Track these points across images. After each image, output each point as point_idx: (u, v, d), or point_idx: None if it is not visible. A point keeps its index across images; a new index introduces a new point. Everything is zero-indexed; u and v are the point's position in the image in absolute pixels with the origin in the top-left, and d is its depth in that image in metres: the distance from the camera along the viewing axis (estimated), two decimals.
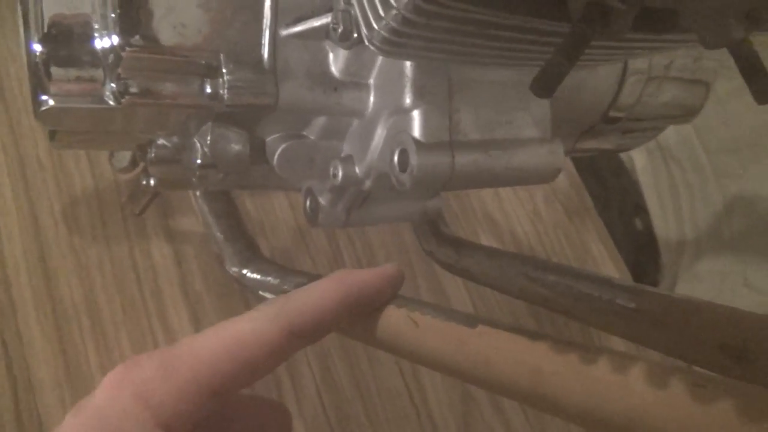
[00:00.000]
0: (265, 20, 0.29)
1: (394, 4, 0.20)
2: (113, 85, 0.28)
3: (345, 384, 0.56)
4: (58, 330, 0.51)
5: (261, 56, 0.30)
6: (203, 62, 0.29)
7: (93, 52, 0.27)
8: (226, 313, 0.55)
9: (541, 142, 0.31)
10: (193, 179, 0.37)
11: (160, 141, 0.33)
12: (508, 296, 0.39)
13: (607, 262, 0.74)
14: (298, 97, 0.31)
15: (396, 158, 0.29)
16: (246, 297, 0.54)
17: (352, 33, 0.28)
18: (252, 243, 0.44)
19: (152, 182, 0.39)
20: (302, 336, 0.25)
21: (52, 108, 0.27)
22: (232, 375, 0.23)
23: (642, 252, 0.81)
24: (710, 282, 0.75)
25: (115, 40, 0.27)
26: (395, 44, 0.22)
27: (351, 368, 0.56)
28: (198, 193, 0.45)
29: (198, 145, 0.31)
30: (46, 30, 0.27)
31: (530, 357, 0.21)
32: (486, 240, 0.68)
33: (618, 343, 0.60)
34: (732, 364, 0.22)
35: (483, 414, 0.58)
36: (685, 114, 0.39)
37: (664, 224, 0.80)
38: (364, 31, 0.23)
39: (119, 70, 0.27)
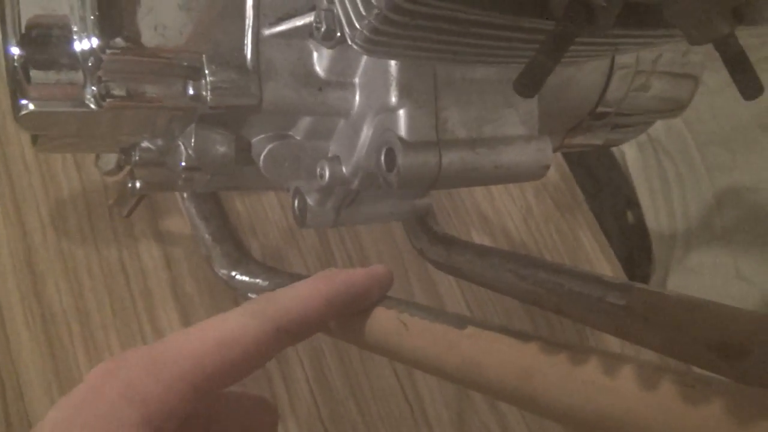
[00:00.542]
0: (247, 20, 0.29)
1: (375, 3, 0.19)
2: (94, 88, 0.27)
3: (338, 384, 0.56)
4: (46, 334, 0.51)
5: (244, 57, 0.29)
6: (185, 64, 0.28)
7: (72, 54, 0.27)
8: (216, 314, 0.55)
9: (529, 140, 0.31)
10: (179, 181, 0.37)
11: (145, 143, 0.33)
12: (500, 294, 0.39)
13: (598, 256, 0.74)
14: (282, 97, 0.30)
15: (383, 158, 0.29)
16: (237, 298, 0.53)
17: (335, 32, 0.28)
18: (240, 245, 0.43)
19: (138, 185, 0.38)
20: (289, 333, 0.24)
21: (32, 112, 0.27)
22: (219, 372, 0.22)
23: (634, 245, 0.81)
24: (702, 274, 0.75)
25: (95, 42, 0.26)
26: (378, 43, 0.22)
27: (344, 368, 0.56)
28: (185, 195, 0.44)
29: (182, 147, 0.31)
30: (23, 32, 0.26)
31: (519, 358, 0.21)
32: (478, 236, 0.68)
33: (612, 340, 0.60)
34: (723, 361, 0.22)
35: (478, 411, 0.58)
36: (674, 108, 0.39)
37: (655, 217, 0.80)
38: (346, 30, 0.23)
39: (100, 73, 0.27)
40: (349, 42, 0.24)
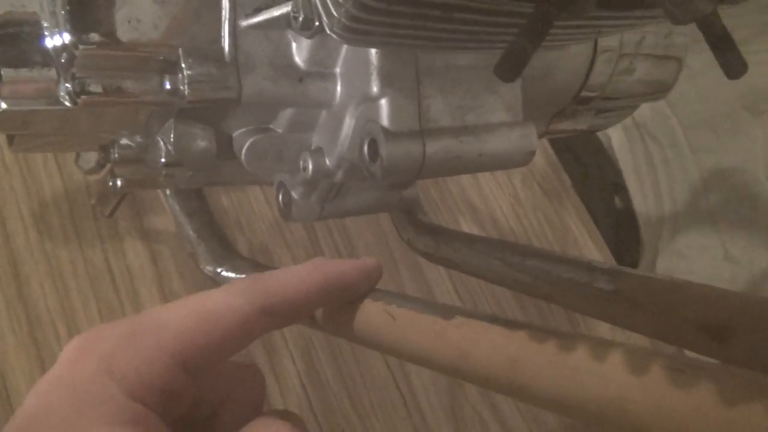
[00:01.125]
0: (223, 12, 0.28)
1: None
2: (68, 85, 0.26)
3: (330, 377, 0.55)
4: (33, 337, 0.50)
5: (221, 49, 0.29)
6: (161, 58, 0.28)
7: (44, 51, 0.26)
8: None
9: (513, 126, 0.31)
10: (161, 178, 0.36)
11: (123, 141, 0.32)
12: (490, 282, 0.39)
13: (587, 242, 0.74)
14: (262, 89, 0.30)
15: (365, 149, 0.28)
16: None
17: (313, 21, 0.27)
18: (226, 241, 0.43)
19: (119, 183, 0.38)
20: (273, 315, 0.24)
21: (4, 111, 0.26)
22: (202, 348, 0.22)
23: (622, 230, 0.81)
24: (690, 256, 0.76)
25: (67, 38, 0.25)
26: (357, 31, 0.22)
27: (335, 360, 0.56)
28: (168, 192, 0.44)
29: (162, 143, 0.31)
30: None
31: (507, 347, 0.21)
32: (466, 225, 0.67)
33: (603, 326, 0.60)
34: (711, 343, 0.22)
35: (470, 400, 0.58)
36: (658, 91, 0.39)
37: (643, 201, 0.80)
38: (324, 19, 0.22)
39: (73, 69, 0.26)
40: (328, 31, 0.23)
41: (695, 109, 0.77)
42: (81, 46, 0.26)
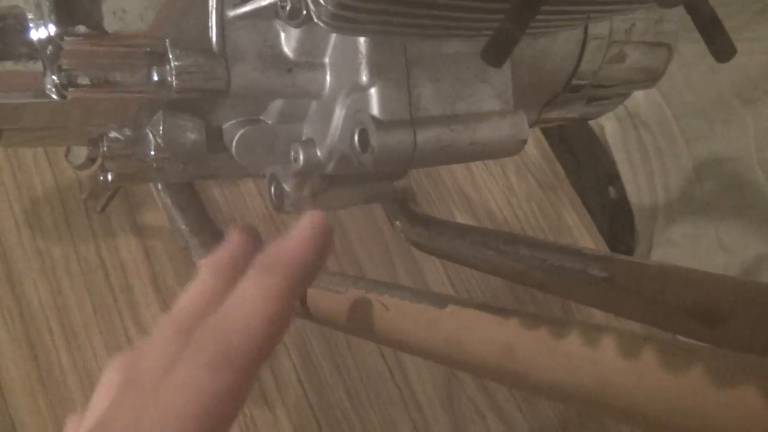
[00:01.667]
0: (211, 2, 0.28)
1: None
2: (54, 77, 0.26)
3: (326, 370, 0.55)
4: (26, 334, 0.50)
5: (209, 40, 0.29)
6: (148, 49, 0.27)
7: (29, 43, 0.26)
8: None
9: (504, 115, 0.30)
10: (151, 172, 0.36)
11: (112, 134, 0.32)
12: (483, 272, 0.39)
13: (582, 232, 0.74)
14: (250, 80, 0.30)
15: (356, 139, 0.28)
16: None
17: (300, 10, 0.27)
18: (218, 233, 0.43)
19: (110, 177, 0.37)
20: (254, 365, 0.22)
21: None
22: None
23: (617, 220, 0.81)
24: (684, 245, 0.76)
25: (52, 29, 0.25)
26: (344, 19, 0.22)
27: (331, 354, 0.56)
28: (160, 186, 0.43)
29: (151, 135, 0.30)
30: None
31: (500, 335, 0.21)
32: (461, 217, 0.67)
33: (597, 315, 0.60)
34: (704, 328, 0.22)
35: (466, 390, 0.58)
36: (649, 78, 0.39)
37: (636, 191, 0.81)
38: (311, 7, 0.22)
39: (60, 62, 0.26)
40: (315, 19, 0.23)
41: (688, 99, 0.77)
42: (67, 38, 0.26)
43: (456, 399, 0.58)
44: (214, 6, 0.28)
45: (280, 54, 0.30)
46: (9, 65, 0.26)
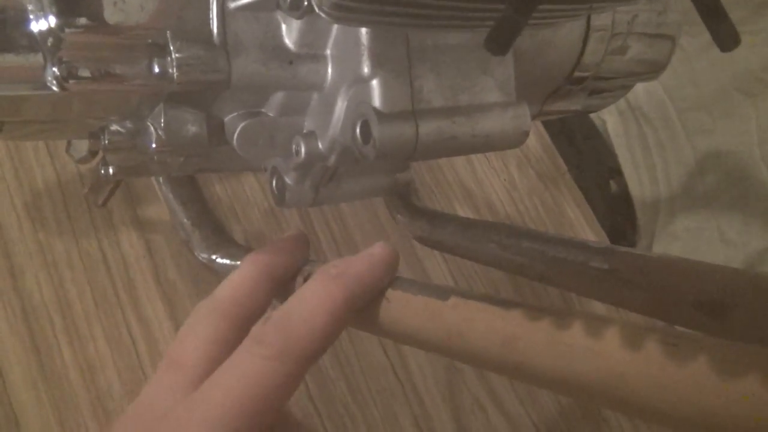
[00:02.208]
0: None
1: None
2: (55, 69, 0.26)
3: (327, 363, 0.55)
4: (28, 328, 0.50)
5: (210, 31, 0.28)
6: (149, 41, 0.27)
7: (30, 35, 0.26)
8: (202, 299, 0.54)
9: (506, 106, 0.30)
10: (153, 165, 0.36)
11: (113, 127, 0.32)
12: (485, 265, 0.39)
13: (583, 226, 0.74)
14: (252, 72, 0.29)
15: (358, 130, 0.28)
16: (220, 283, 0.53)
17: (302, 1, 0.27)
18: (220, 227, 0.43)
19: (111, 171, 0.37)
20: (310, 363, 0.24)
21: None
22: None
23: (618, 214, 0.81)
24: (686, 239, 0.76)
25: (53, 21, 0.25)
26: (346, 9, 0.21)
27: (332, 347, 0.55)
28: (161, 180, 0.43)
29: (152, 128, 0.30)
30: None
31: (503, 326, 0.21)
32: (462, 211, 0.67)
33: (599, 308, 0.60)
34: (708, 320, 0.22)
35: (467, 383, 0.58)
36: (651, 70, 0.39)
37: (638, 185, 0.80)
38: None
39: (60, 54, 0.26)
40: (317, 10, 0.23)
41: (690, 92, 0.77)
42: (67, 30, 0.26)
43: (457, 392, 0.58)
44: None
45: (282, 46, 0.30)
46: (9, 57, 0.26)
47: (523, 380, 0.21)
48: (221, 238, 0.42)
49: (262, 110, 0.33)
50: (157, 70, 0.27)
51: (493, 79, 0.31)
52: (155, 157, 0.31)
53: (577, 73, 0.35)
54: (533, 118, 0.40)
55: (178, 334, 0.26)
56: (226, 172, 0.58)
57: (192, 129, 0.30)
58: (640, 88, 0.73)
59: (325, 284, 0.25)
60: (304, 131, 0.33)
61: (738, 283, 0.21)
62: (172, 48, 0.27)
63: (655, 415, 0.16)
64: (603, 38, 0.34)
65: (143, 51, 0.27)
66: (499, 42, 0.16)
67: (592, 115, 0.83)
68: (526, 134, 0.31)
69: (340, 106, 0.30)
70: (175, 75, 0.27)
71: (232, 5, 0.29)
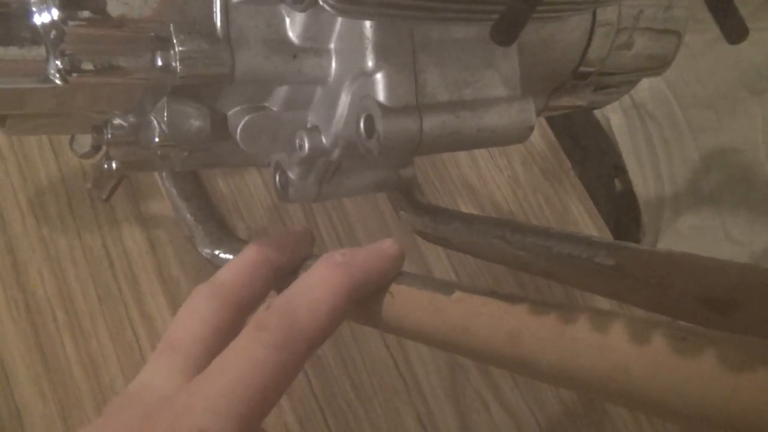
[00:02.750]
0: None
1: None
2: (58, 62, 0.26)
3: (330, 360, 0.55)
4: (32, 324, 0.50)
5: (213, 25, 0.28)
6: (152, 34, 0.27)
7: (33, 28, 0.26)
8: None
9: (511, 101, 0.30)
10: (156, 160, 0.36)
11: (116, 121, 0.32)
12: (488, 261, 0.38)
13: (587, 223, 0.73)
14: (255, 66, 0.29)
15: (362, 125, 0.28)
16: None
17: None
18: (223, 223, 0.42)
19: (114, 165, 0.37)
20: (312, 347, 0.24)
21: None
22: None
23: (623, 212, 0.81)
24: (691, 238, 0.75)
25: (55, 14, 0.25)
26: (350, 2, 0.21)
27: (335, 344, 0.56)
28: (164, 175, 0.43)
29: (155, 122, 0.30)
30: None
31: (508, 321, 0.21)
32: (465, 208, 0.67)
33: (602, 303, 0.60)
34: (716, 316, 0.22)
35: (471, 380, 0.58)
36: (658, 66, 0.38)
37: (643, 183, 0.80)
38: None
39: (63, 47, 0.26)
40: (321, 3, 0.23)
41: (695, 89, 0.77)
42: (70, 22, 0.25)
43: (460, 389, 0.58)
44: None
45: (285, 40, 0.30)
46: (12, 50, 0.26)
47: (528, 375, 0.21)
48: (224, 233, 0.42)
49: (266, 104, 0.32)
50: (160, 63, 0.27)
51: (498, 74, 0.30)
52: (158, 152, 0.31)
53: (582, 68, 0.35)
54: (538, 113, 0.39)
55: (176, 315, 0.25)
56: (229, 168, 0.58)
57: (195, 123, 0.30)
58: (644, 85, 0.73)
59: (329, 271, 0.25)
60: (308, 126, 0.33)
61: (748, 279, 0.21)
62: (175, 41, 0.27)
63: (664, 410, 0.16)
64: (609, 33, 0.34)
65: (146, 44, 0.27)
66: (505, 32, 0.16)
67: (596, 113, 0.82)
68: (531, 129, 0.31)
69: (344, 100, 0.30)
70: (178, 68, 0.27)
71: None
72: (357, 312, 0.27)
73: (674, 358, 0.16)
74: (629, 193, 0.81)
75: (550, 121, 0.78)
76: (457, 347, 0.23)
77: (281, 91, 0.32)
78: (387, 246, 0.27)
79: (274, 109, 0.32)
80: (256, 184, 0.61)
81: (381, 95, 0.28)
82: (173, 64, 0.27)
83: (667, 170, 0.79)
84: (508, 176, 0.72)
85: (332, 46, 0.31)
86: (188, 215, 0.42)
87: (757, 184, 0.73)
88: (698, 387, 0.15)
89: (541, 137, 0.76)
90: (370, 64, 0.28)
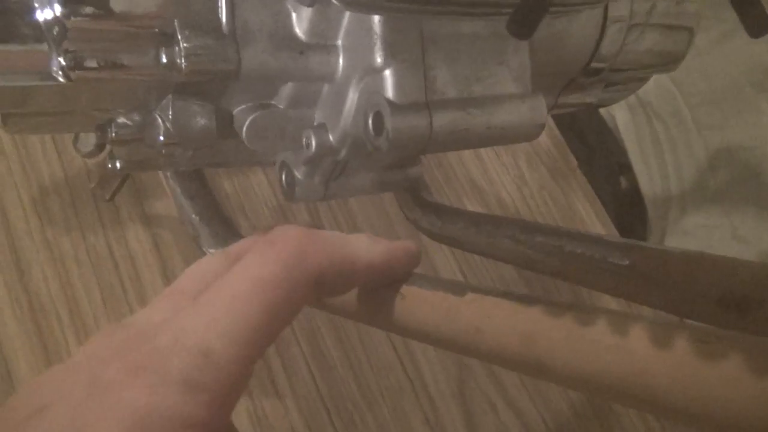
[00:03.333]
0: None
1: None
2: (60, 59, 0.26)
3: (336, 361, 0.55)
4: (36, 324, 0.50)
5: (219, 20, 0.28)
6: (156, 30, 0.27)
7: (35, 24, 0.25)
8: None
9: (522, 98, 0.30)
10: (161, 158, 0.35)
11: (120, 119, 0.31)
12: (496, 261, 0.38)
13: (594, 222, 0.73)
14: (261, 62, 0.29)
15: (370, 122, 0.28)
16: None
17: None
18: (228, 222, 0.42)
19: (119, 164, 0.37)
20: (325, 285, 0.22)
21: None
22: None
23: (628, 210, 0.81)
24: (698, 236, 0.75)
25: (58, 10, 0.24)
26: None
27: (341, 345, 0.56)
28: (169, 175, 0.43)
29: (160, 120, 0.30)
30: None
31: (522, 323, 0.20)
32: (472, 207, 0.67)
33: (609, 303, 0.60)
34: (733, 316, 0.21)
35: (477, 381, 0.58)
36: (669, 62, 0.38)
37: (649, 181, 0.80)
38: None
39: (66, 44, 0.25)
40: None
41: (701, 87, 0.77)
42: (73, 19, 0.25)
43: (467, 390, 0.57)
44: None
45: (292, 35, 0.29)
46: (14, 47, 0.25)
47: (543, 378, 0.20)
48: (230, 233, 0.41)
49: (272, 102, 0.32)
50: (164, 60, 0.27)
51: (508, 70, 0.30)
52: (163, 150, 0.31)
53: (593, 65, 0.35)
54: (549, 110, 0.39)
55: (184, 271, 0.23)
56: (234, 167, 0.58)
57: (200, 121, 0.30)
58: (650, 83, 0.72)
59: (362, 237, 0.25)
60: (315, 124, 0.32)
61: (764, 277, 0.21)
62: (180, 37, 0.27)
63: (685, 415, 0.16)
64: (621, 29, 0.34)
65: (150, 40, 0.27)
66: (523, 24, 0.15)
67: (602, 111, 0.82)
68: (542, 127, 0.31)
69: (352, 97, 0.30)
70: (183, 65, 0.27)
71: None
72: (368, 313, 0.26)
73: (698, 361, 0.15)
74: (635, 191, 0.81)
75: (556, 118, 0.78)
76: (469, 349, 0.22)
77: (288, 89, 0.31)
78: (408, 243, 0.27)
79: (281, 106, 0.32)
80: (260, 183, 0.60)
81: (390, 92, 0.27)
82: (178, 60, 0.27)
83: (673, 168, 0.79)
84: (515, 175, 0.72)
85: (340, 42, 0.30)
86: (193, 215, 0.42)
87: (765, 182, 0.73)
88: (724, 391, 0.15)
89: (547, 135, 0.76)
90: (378, 60, 0.28)
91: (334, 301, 0.28)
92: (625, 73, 0.37)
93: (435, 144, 0.28)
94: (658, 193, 0.80)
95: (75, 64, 0.26)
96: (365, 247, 0.24)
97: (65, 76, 0.26)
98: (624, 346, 0.17)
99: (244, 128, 0.31)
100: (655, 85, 0.78)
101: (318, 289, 0.21)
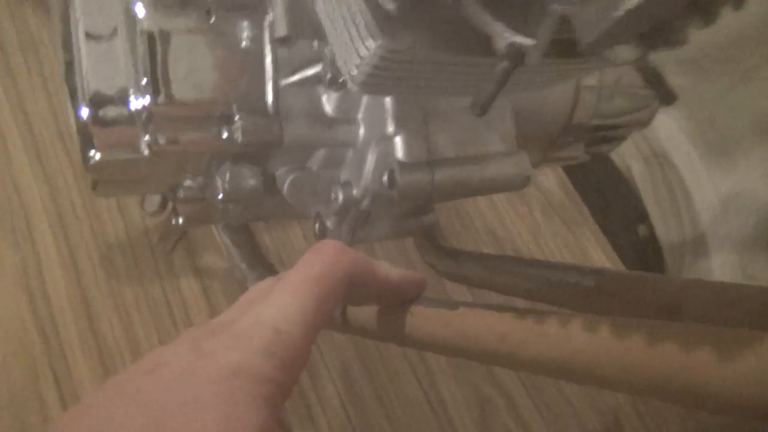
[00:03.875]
0: (267, 73, 0.35)
1: (365, 57, 0.25)
2: (147, 137, 0.33)
3: (366, 395, 0.59)
4: (103, 364, 0.55)
5: (266, 103, 0.36)
6: (219, 113, 0.34)
7: (130, 112, 0.33)
8: None
9: (508, 155, 0.37)
10: (217, 214, 0.43)
11: (187, 182, 0.39)
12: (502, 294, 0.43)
13: (606, 265, 0.76)
14: (299, 134, 0.36)
15: (385, 178, 0.35)
16: None
17: (338, 78, 0.34)
18: (272, 268, 0.49)
19: (181, 220, 0.44)
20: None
21: (99, 161, 0.33)
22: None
23: (647, 258, 0.83)
24: (711, 277, 0.77)
25: (147, 100, 0.33)
26: (372, 84, 0.28)
27: (371, 380, 0.60)
28: (220, 228, 0.50)
29: (219, 182, 0.37)
30: (91, 97, 0.33)
31: (498, 325, 0.26)
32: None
33: None
34: (666, 319, 0.27)
35: (499, 414, 0.62)
36: (642, 123, 0.44)
37: (665, 228, 0.82)
38: (347, 76, 0.29)
39: (151, 126, 0.33)
40: (350, 85, 0.30)
41: (710, 136, 0.79)
42: (157, 106, 0.33)
43: (490, 422, 0.61)
44: (270, 76, 0.35)
45: (323, 113, 0.37)
46: (114, 130, 0.33)
47: (515, 367, 0.26)
48: (272, 276, 0.48)
49: (307, 165, 0.39)
50: (225, 135, 0.35)
51: (497, 133, 0.37)
52: (221, 206, 0.38)
53: (572, 124, 0.41)
54: (537, 164, 0.45)
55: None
56: (275, 220, 0.64)
57: (251, 182, 0.37)
58: (662, 135, 0.75)
59: (388, 268, 0.30)
60: (342, 181, 0.39)
61: (687, 290, 0.27)
62: (237, 117, 0.34)
63: (601, 379, 0.22)
64: (592, 96, 0.40)
65: (214, 120, 0.35)
66: (481, 106, 0.22)
67: (618, 162, 0.85)
68: (528, 178, 0.37)
69: (371, 159, 0.37)
70: (239, 138, 0.34)
71: (284, 82, 0.36)
72: (384, 330, 0.33)
73: (617, 340, 0.21)
74: (653, 238, 0.83)
75: (570, 171, 0.82)
76: (460, 351, 0.28)
77: (320, 154, 0.39)
78: (420, 275, 0.32)
79: (314, 168, 0.39)
80: (297, 237, 0.66)
81: (400, 154, 0.35)
82: (235, 135, 0.34)
83: (687, 215, 0.81)
84: (530, 225, 0.76)
85: (360, 116, 0.38)
86: (241, 261, 0.49)
87: None
88: (626, 357, 0.21)
89: (559, 187, 0.80)
90: (390, 129, 0.35)
91: (358, 322, 0.34)
92: (602, 132, 0.43)
93: (438, 194, 0.35)
94: (674, 239, 0.81)
95: (157, 141, 0.34)
96: (384, 266, 0.30)
97: (150, 150, 0.34)
98: (566, 335, 0.23)
99: (285, 186, 0.38)
100: (667, 136, 0.81)
101: (348, 289, 0.27)
